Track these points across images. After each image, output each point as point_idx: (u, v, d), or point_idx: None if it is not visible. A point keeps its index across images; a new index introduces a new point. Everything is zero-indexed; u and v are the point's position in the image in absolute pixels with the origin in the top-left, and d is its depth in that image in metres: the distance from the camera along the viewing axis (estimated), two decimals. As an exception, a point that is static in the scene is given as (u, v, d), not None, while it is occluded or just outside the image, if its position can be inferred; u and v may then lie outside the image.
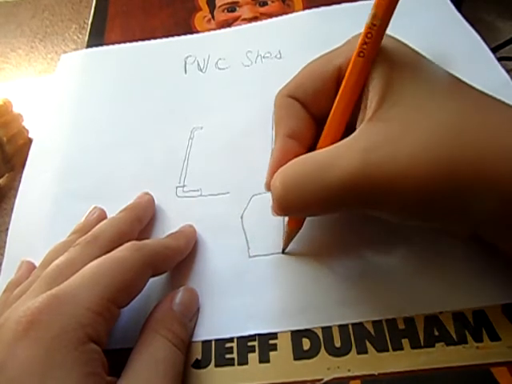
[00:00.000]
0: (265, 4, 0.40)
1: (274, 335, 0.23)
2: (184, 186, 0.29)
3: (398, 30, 0.34)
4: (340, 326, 0.22)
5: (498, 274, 0.22)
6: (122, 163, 0.31)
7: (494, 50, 0.32)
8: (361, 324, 0.22)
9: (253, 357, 0.22)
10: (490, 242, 0.20)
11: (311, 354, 0.22)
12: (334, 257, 0.24)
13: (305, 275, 0.24)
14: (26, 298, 0.20)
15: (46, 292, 0.19)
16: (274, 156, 0.23)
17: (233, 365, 0.22)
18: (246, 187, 0.28)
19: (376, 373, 0.21)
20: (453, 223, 0.20)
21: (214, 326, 0.23)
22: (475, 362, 0.20)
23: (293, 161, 0.21)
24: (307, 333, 0.22)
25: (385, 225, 0.25)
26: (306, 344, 0.22)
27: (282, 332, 0.23)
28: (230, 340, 0.23)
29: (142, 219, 0.26)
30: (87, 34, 0.41)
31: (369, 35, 0.20)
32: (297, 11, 0.39)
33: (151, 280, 0.22)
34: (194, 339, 0.23)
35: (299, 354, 0.22)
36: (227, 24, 0.39)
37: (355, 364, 0.21)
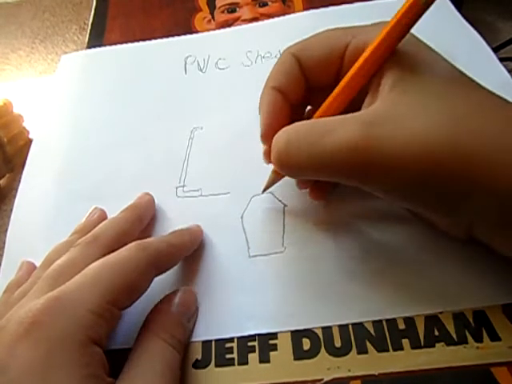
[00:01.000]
0: (265, 5, 0.40)
1: (274, 335, 0.23)
2: (184, 186, 0.29)
3: None
4: (340, 326, 0.22)
5: (498, 273, 0.22)
6: (123, 163, 0.31)
7: (494, 51, 0.32)
8: (361, 324, 0.22)
9: (253, 357, 0.22)
10: (486, 243, 0.20)
11: (311, 353, 0.22)
12: (333, 256, 0.24)
13: (305, 275, 0.24)
14: (28, 299, 0.20)
15: (47, 293, 0.19)
16: (261, 106, 0.24)
17: (233, 365, 0.22)
18: (247, 187, 0.28)
19: (376, 373, 0.21)
20: (445, 215, 0.20)
21: (214, 325, 0.23)
22: (475, 362, 0.20)
23: (301, 122, 0.21)
24: (307, 333, 0.22)
25: (385, 224, 0.25)
26: (306, 344, 0.22)
27: (282, 332, 0.23)
28: (230, 340, 0.23)
29: (143, 219, 0.26)
30: (87, 34, 0.41)
31: (409, 15, 0.20)
32: (297, 12, 0.39)
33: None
34: (194, 339, 0.23)
35: (299, 354, 0.22)
36: (227, 25, 0.40)
37: (355, 364, 0.21)
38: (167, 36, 0.39)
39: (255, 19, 0.39)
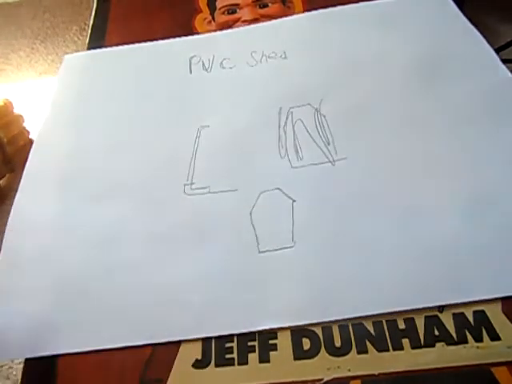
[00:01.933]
0: (265, 6, 0.41)
1: (274, 335, 0.23)
2: (192, 183, 0.29)
3: (401, 30, 0.35)
4: (340, 326, 0.22)
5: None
6: (129, 163, 0.31)
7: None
8: (361, 324, 0.22)
9: (253, 357, 0.22)
10: None
11: (311, 353, 0.22)
12: (343, 249, 0.24)
13: (315, 269, 0.24)
14: None
15: None
16: None
17: (233, 365, 0.22)
18: (254, 184, 0.28)
19: (376, 373, 0.21)
20: None
21: (224, 321, 0.23)
22: (475, 361, 0.21)
23: None
24: (307, 332, 0.22)
25: (395, 217, 0.25)
26: (306, 344, 0.22)
27: (293, 327, 0.22)
28: (230, 340, 0.23)
29: None
30: (88, 35, 0.41)
31: None
32: (297, 13, 0.39)
33: (158, 274, 0.22)
34: (206, 335, 0.23)
35: (299, 354, 0.22)
36: (227, 26, 0.40)
37: (355, 364, 0.21)
38: (168, 37, 0.39)
39: (255, 20, 0.39)
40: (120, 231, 0.27)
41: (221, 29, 0.39)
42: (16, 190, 0.31)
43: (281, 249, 0.25)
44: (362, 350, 0.22)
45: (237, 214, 0.27)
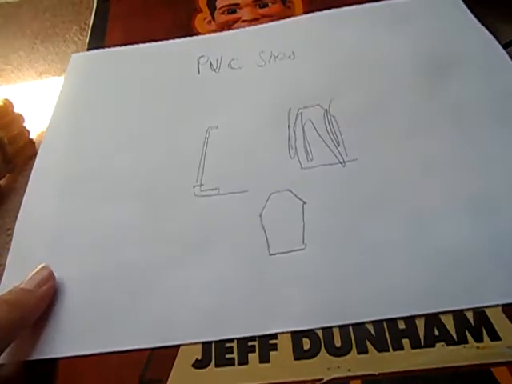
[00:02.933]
0: (265, 6, 0.41)
1: (274, 335, 0.23)
2: (201, 184, 0.29)
3: (412, 30, 0.35)
4: (340, 326, 0.22)
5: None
6: (138, 164, 0.30)
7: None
8: (361, 324, 0.22)
9: (253, 357, 0.22)
10: None
11: (311, 353, 0.22)
12: (355, 251, 0.24)
13: (327, 271, 0.24)
14: None
15: None
16: None
17: (233, 365, 0.22)
18: (264, 185, 0.28)
19: (376, 373, 0.21)
20: None
21: (236, 325, 0.23)
22: (475, 361, 0.21)
23: None
24: (307, 333, 0.22)
25: (407, 217, 0.25)
26: (306, 344, 0.22)
27: (307, 330, 0.22)
28: (230, 340, 0.23)
29: (27, 320, 0.23)
30: (88, 35, 0.41)
31: None
32: (297, 13, 0.39)
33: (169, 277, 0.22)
34: (216, 338, 0.23)
35: (299, 354, 0.22)
36: (227, 25, 0.40)
37: (355, 364, 0.21)
38: (168, 37, 0.39)
39: (255, 20, 0.39)
40: (129, 233, 0.27)
41: (221, 28, 0.39)
42: (16, 190, 0.31)
43: (292, 251, 0.25)
44: (362, 350, 0.22)
45: (247, 216, 0.27)
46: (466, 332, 0.21)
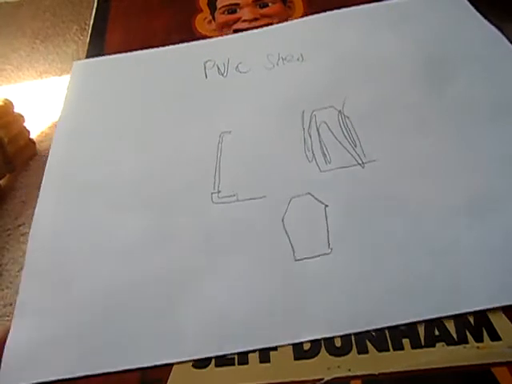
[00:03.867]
0: (265, 6, 0.41)
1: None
2: (219, 191, 0.28)
3: (420, 30, 0.34)
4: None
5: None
6: (150, 172, 0.30)
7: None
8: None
9: (253, 357, 0.22)
10: None
11: (311, 353, 0.22)
12: (385, 254, 0.24)
13: (356, 276, 0.23)
14: None
15: None
16: None
17: (233, 365, 0.22)
18: (283, 190, 0.27)
19: (376, 373, 0.21)
20: None
21: (264, 334, 0.22)
22: (476, 361, 0.20)
23: None
24: (308, 333, 0.22)
25: (426, 218, 0.25)
26: (306, 344, 0.22)
27: (337, 337, 0.22)
28: (231, 340, 0.23)
29: None
30: (89, 35, 0.41)
31: None
32: (297, 13, 0.39)
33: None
34: (244, 349, 0.22)
35: (299, 354, 0.22)
36: (228, 25, 0.40)
37: (356, 364, 0.21)
38: (168, 37, 0.39)
39: (255, 20, 0.39)
40: (147, 242, 0.26)
41: (221, 29, 0.39)
42: (16, 190, 0.31)
43: (318, 256, 0.24)
44: (363, 350, 0.21)
45: (267, 222, 0.26)
46: (467, 332, 0.21)
